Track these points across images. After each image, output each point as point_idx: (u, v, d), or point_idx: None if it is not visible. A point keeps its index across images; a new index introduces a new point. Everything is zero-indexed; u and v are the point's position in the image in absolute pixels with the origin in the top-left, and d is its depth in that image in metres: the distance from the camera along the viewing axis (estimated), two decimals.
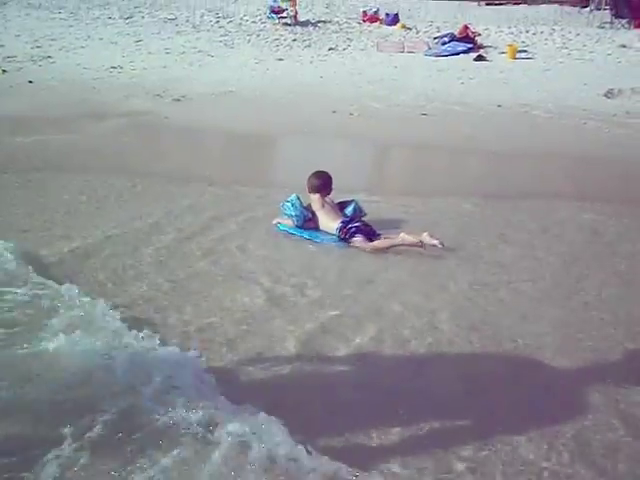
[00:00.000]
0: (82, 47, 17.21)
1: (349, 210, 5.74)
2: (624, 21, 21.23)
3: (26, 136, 8.84)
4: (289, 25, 20.86)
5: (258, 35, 19.73)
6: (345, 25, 21.52)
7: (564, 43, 19.33)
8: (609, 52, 18.08)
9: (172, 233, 5.50)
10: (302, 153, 9.37)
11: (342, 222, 5.49)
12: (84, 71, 14.31)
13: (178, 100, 11.88)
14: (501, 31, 20.71)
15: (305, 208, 5.69)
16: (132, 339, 3.78)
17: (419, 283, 4.82)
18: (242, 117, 10.67)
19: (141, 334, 3.80)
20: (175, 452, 2.90)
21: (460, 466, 2.92)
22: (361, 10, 22.94)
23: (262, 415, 3.07)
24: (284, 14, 21.28)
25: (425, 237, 5.27)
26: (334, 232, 5.50)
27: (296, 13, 21.46)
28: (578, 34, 20.23)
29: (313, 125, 10.28)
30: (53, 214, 5.85)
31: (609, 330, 4.22)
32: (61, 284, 4.38)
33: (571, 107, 12.15)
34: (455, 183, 7.66)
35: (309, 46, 18.68)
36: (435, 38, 19.50)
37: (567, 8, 25.23)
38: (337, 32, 20.54)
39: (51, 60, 15.52)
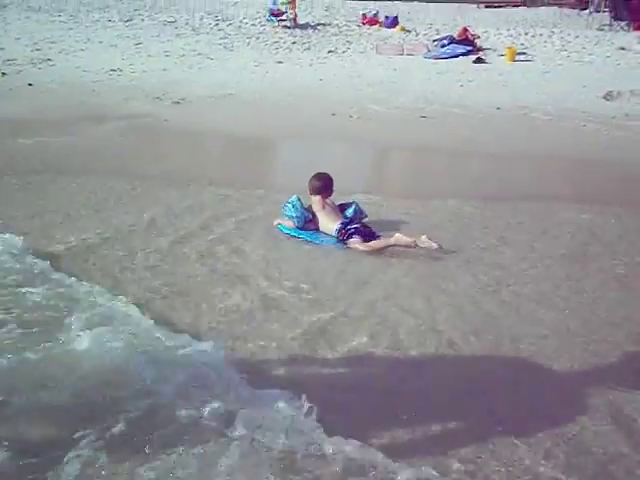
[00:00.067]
0: (82, 50, 17.22)
1: (349, 212, 5.76)
2: (623, 23, 21.27)
3: (26, 138, 8.85)
4: (289, 28, 20.88)
5: (257, 38, 19.76)
6: (344, 28, 21.55)
7: (563, 45, 19.37)
8: (608, 54, 18.11)
9: (172, 234, 5.52)
10: (301, 155, 9.37)
11: (341, 223, 5.50)
12: (84, 74, 14.32)
13: (177, 103, 11.89)
14: (500, 33, 20.74)
15: (305, 209, 5.71)
16: (153, 336, 3.84)
17: (418, 285, 4.82)
18: (242, 120, 10.68)
19: (160, 331, 3.85)
20: (196, 449, 2.93)
21: (458, 467, 2.92)
22: (360, 13, 22.97)
23: (282, 406, 3.14)
24: (284, 17, 21.31)
25: (423, 240, 5.28)
26: (334, 233, 5.52)
27: (295, 16, 21.49)
28: (577, 36, 20.26)
29: (313, 128, 10.29)
30: (54, 215, 5.86)
31: (609, 332, 4.22)
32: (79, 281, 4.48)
33: (570, 109, 12.17)
34: (454, 185, 7.66)
35: (309, 49, 18.70)
36: (434, 41, 19.52)
37: (566, 10, 25.29)
38: (336, 35, 20.57)
39: (51, 63, 15.53)
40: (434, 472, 2.86)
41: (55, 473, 2.78)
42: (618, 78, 14.93)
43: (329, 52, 18.39)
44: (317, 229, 5.69)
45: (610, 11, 22.12)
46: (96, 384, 3.40)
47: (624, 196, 7.39)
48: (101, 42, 18.24)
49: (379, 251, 5.35)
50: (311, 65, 16.71)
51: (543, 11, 25.31)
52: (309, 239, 5.58)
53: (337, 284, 4.79)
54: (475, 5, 27.15)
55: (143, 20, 21.53)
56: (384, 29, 21.53)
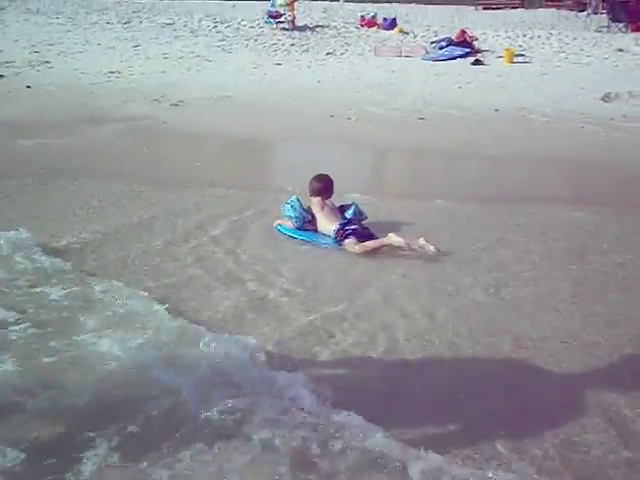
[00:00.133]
0: (80, 52, 17.24)
1: (349, 213, 5.77)
2: (621, 25, 21.33)
3: (25, 140, 8.86)
4: (287, 30, 20.91)
5: (256, 40, 19.78)
6: (343, 30, 21.59)
7: (561, 47, 19.40)
8: (606, 56, 18.14)
9: (170, 234, 5.52)
10: (300, 157, 9.37)
11: (339, 224, 5.51)
12: (82, 76, 14.33)
13: (176, 105, 11.90)
14: (498, 35, 20.78)
15: (305, 210, 5.73)
16: (173, 333, 3.89)
17: (415, 287, 4.81)
18: (240, 122, 10.69)
19: (181, 328, 3.91)
20: (214, 447, 2.95)
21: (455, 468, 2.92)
22: (359, 15, 23.03)
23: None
24: (282, 19, 21.35)
25: (421, 242, 5.29)
26: (331, 234, 5.53)
27: (294, 18, 21.52)
28: (575, 38, 20.30)
29: (311, 129, 10.30)
30: (52, 216, 5.86)
31: (608, 333, 4.21)
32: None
33: (568, 111, 12.18)
34: (453, 187, 7.67)
35: (307, 51, 18.73)
36: (432, 42, 19.55)
37: (564, 12, 25.37)
38: (335, 37, 20.60)
39: (49, 65, 15.54)
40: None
41: (72, 474, 2.78)
42: (616, 80, 14.96)
43: (327, 54, 18.41)
44: (316, 230, 5.70)
45: (608, 13, 22.17)
46: (114, 384, 3.42)
47: (622, 197, 7.40)
48: (99, 44, 18.27)
49: (373, 252, 5.34)
50: (309, 67, 16.72)
51: (541, 13, 25.39)
52: (307, 240, 5.59)
53: (333, 285, 4.79)
54: (473, 7, 27.24)
55: (141, 22, 21.56)
56: (382, 31, 21.56)
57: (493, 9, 26.93)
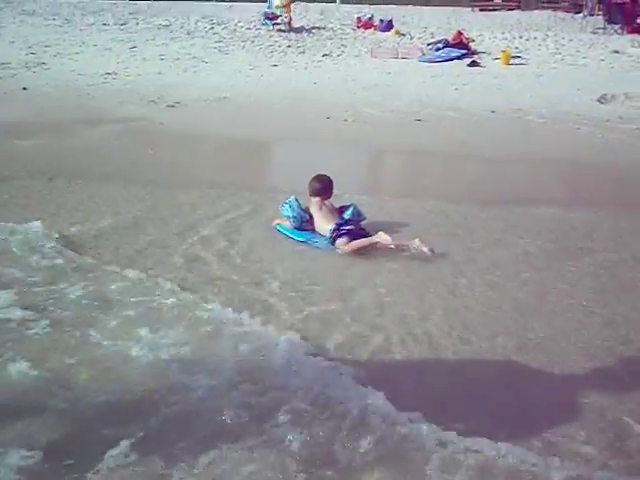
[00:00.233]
0: (76, 53, 17.22)
1: (347, 213, 5.78)
2: (617, 27, 21.36)
3: (20, 141, 8.85)
4: (283, 31, 20.91)
5: (252, 41, 19.78)
6: (339, 31, 21.60)
7: (557, 49, 19.43)
8: (602, 58, 18.18)
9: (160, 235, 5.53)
10: (296, 158, 9.37)
11: (335, 224, 5.52)
12: (78, 77, 14.32)
13: (173, 106, 11.89)
14: (495, 37, 20.80)
15: (303, 210, 5.75)
16: (195, 331, 3.95)
17: (410, 288, 4.81)
18: (237, 123, 10.69)
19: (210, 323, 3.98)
20: (238, 444, 2.98)
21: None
22: (355, 16, 23.03)
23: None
24: (278, 20, 21.34)
25: (416, 243, 5.31)
26: (328, 234, 5.54)
27: (290, 19, 21.52)
28: (571, 40, 20.33)
29: (308, 131, 10.30)
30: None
31: (605, 333, 4.22)
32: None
33: (564, 112, 12.21)
34: (449, 188, 7.68)
35: (303, 52, 18.73)
36: (429, 44, 19.57)
37: (560, 14, 25.42)
38: (331, 38, 20.61)
39: (45, 66, 15.52)
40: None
41: (91, 474, 2.79)
42: (612, 81, 14.99)
43: (324, 55, 18.42)
44: (314, 230, 5.72)
45: (604, 15, 22.21)
46: (133, 383, 3.43)
47: (618, 198, 7.42)
48: (96, 46, 18.24)
49: (363, 251, 5.36)
50: (306, 68, 16.73)
51: (537, 14, 25.43)
52: (303, 240, 5.61)
53: (327, 285, 4.80)
54: (469, 9, 27.28)
55: (138, 24, 21.54)
56: (379, 33, 21.57)
57: (489, 11, 26.97)
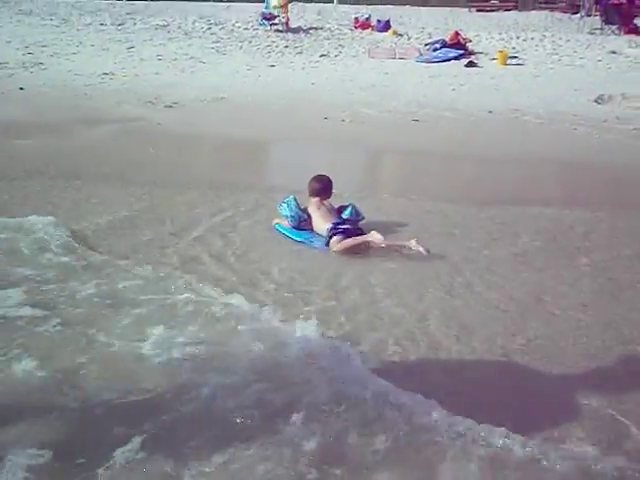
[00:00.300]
0: (74, 53, 17.19)
1: (346, 213, 5.81)
2: (614, 27, 21.38)
3: (17, 141, 8.84)
4: (281, 32, 20.90)
5: (250, 42, 19.76)
6: (337, 32, 21.58)
7: (555, 49, 19.44)
8: (599, 58, 18.19)
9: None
10: (294, 158, 9.37)
11: (332, 223, 5.53)
12: (76, 77, 14.29)
13: (170, 106, 11.88)
14: (492, 37, 20.81)
15: (301, 210, 5.76)
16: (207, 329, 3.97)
17: (406, 289, 4.82)
18: (234, 123, 10.69)
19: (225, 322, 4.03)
20: (249, 446, 2.98)
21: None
22: (353, 17, 23.01)
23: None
24: (276, 21, 21.32)
25: (412, 243, 5.33)
26: (325, 234, 5.55)
27: (288, 20, 21.51)
28: (568, 40, 20.34)
29: (305, 131, 10.30)
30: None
31: (603, 333, 4.23)
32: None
33: (562, 113, 12.21)
34: (447, 188, 7.68)
35: (301, 52, 18.72)
36: (426, 44, 19.57)
37: (558, 14, 25.42)
38: (329, 39, 20.59)
39: (42, 66, 15.50)
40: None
41: (101, 472, 2.79)
42: (609, 82, 15.00)
43: (321, 56, 18.41)
44: (312, 230, 5.73)
45: (601, 15, 22.22)
46: (145, 381, 3.44)
47: (615, 198, 7.43)
48: (93, 46, 18.21)
49: (356, 250, 5.37)
50: (303, 69, 16.73)
51: (535, 15, 25.43)
52: (300, 239, 5.62)
53: (322, 284, 4.81)
54: (467, 9, 27.28)
55: (135, 24, 21.50)
56: (376, 33, 21.55)
57: (487, 11, 26.98)
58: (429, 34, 21.08)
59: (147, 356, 3.66)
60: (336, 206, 5.89)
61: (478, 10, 27.26)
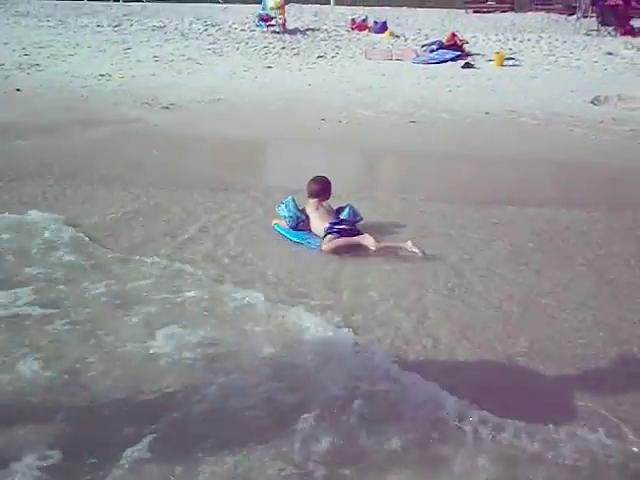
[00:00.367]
0: (70, 55, 17.17)
1: (344, 214, 5.82)
2: (610, 29, 21.40)
3: (14, 143, 8.83)
4: (278, 33, 20.89)
5: (247, 43, 19.75)
6: (334, 33, 21.58)
7: (551, 50, 19.46)
8: (596, 59, 18.21)
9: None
10: (291, 159, 9.38)
11: (329, 224, 5.54)
12: (72, 79, 14.28)
13: (167, 108, 11.88)
14: (489, 39, 20.82)
15: (299, 210, 5.78)
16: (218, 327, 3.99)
17: (403, 289, 4.82)
18: (231, 124, 10.69)
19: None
20: (259, 447, 2.97)
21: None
22: (349, 18, 23.01)
23: None
24: (273, 22, 21.31)
25: (409, 245, 5.35)
26: (322, 234, 5.56)
27: (285, 21, 21.51)
28: (565, 41, 20.37)
29: (302, 132, 10.31)
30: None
31: (601, 335, 4.24)
32: None
33: (558, 114, 12.23)
34: (444, 189, 7.69)
35: (298, 54, 18.72)
36: (423, 46, 19.57)
37: (554, 16, 25.47)
38: (326, 40, 20.60)
39: (39, 68, 15.48)
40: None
41: (111, 471, 2.80)
42: (605, 83, 15.03)
43: (318, 57, 18.41)
44: (310, 230, 5.75)
45: (597, 16, 22.24)
46: (154, 381, 3.44)
47: (611, 199, 7.44)
48: (90, 47, 18.19)
49: (346, 250, 5.37)
50: (300, 70, 16.73)
51: (531, 16, 25.46)
52: (298, 240, 5.64)
53: (319, 285, 4.81)
54: (463, 10, 27.32)
55: (132, 25, 21.48)
56: (373, 34, 21.55)
57: (483, 13, 27.01)
58: (426, 35, 21.09)
59: (156, 355, 3.67)
60: (334, 207, 5.90)
61: (475, 11, 27.29)
